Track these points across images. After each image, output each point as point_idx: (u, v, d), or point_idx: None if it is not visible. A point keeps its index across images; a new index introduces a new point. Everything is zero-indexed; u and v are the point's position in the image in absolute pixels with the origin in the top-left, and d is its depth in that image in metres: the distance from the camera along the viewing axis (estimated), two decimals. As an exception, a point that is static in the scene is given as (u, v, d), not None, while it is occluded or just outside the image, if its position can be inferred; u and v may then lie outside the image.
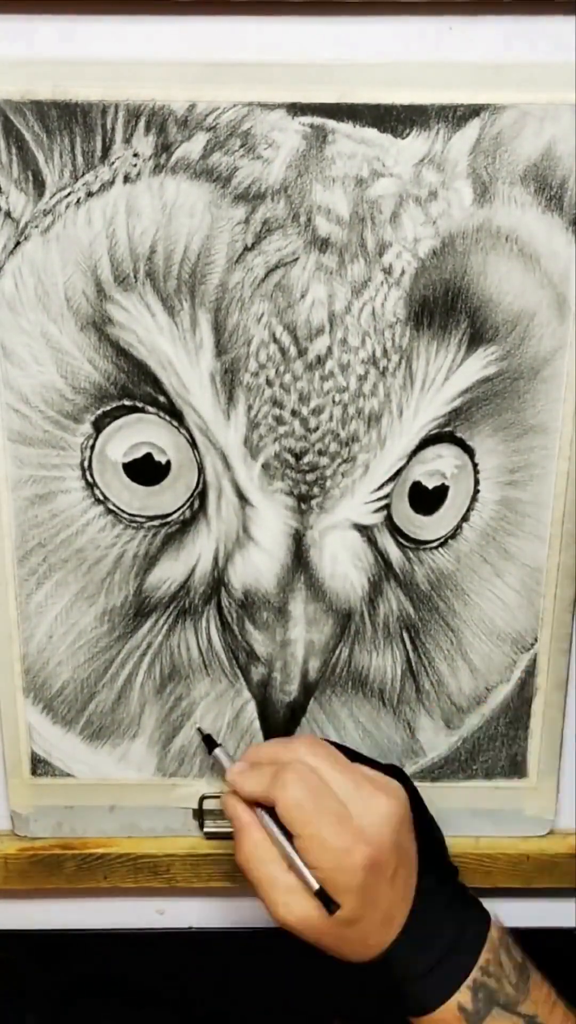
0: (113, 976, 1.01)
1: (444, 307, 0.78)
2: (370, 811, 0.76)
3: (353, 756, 0.81)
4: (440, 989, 0.78)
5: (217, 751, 0.85)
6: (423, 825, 0.82)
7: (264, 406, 0.79)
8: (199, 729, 0.88)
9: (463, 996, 0.78)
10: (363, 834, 0.75)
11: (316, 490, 0.81)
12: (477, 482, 0.83)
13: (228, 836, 0.91)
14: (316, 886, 0.74)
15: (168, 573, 0.84)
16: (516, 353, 0.80)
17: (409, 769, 0.90)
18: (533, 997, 0.80)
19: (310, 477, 0.81)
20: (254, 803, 0.78)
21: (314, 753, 0.78)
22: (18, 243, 0.76)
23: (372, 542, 0.83)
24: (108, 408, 0.80)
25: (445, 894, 0.81)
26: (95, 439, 0.81)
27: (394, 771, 0.82)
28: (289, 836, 0.76)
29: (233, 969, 1.01)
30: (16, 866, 0.93)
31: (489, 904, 0.88)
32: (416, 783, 0.90)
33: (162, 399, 0.79)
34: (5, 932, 0.99)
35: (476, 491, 0.84)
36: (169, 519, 0.83)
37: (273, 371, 0.79)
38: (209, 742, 0.87)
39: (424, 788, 0.90)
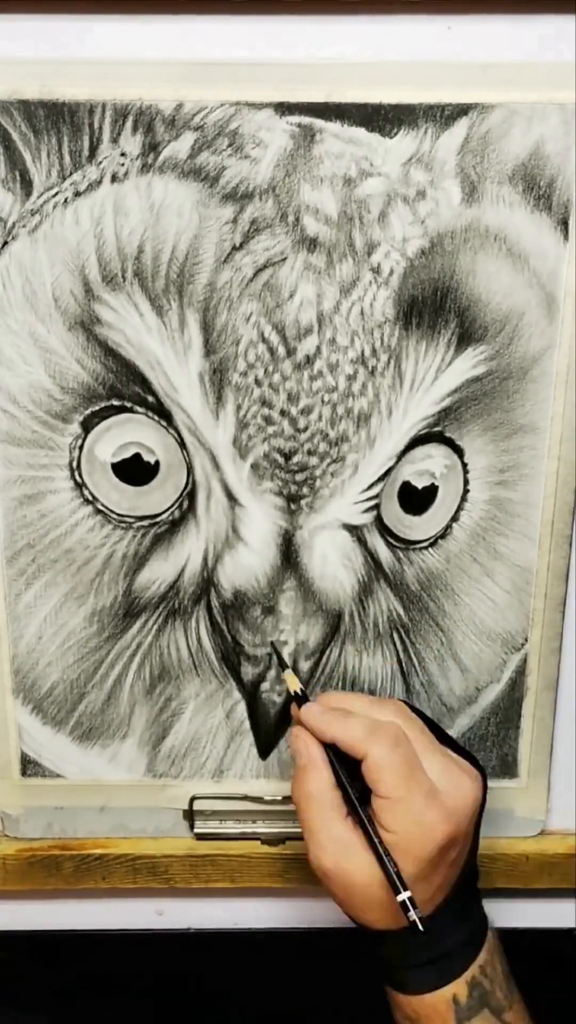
0: (112, 976, 1.01)
1: (433, 307, 0.78)
2: (458, 792, 0.75)
3: (437, 733, 0.80)
4: (441, 977, 0.77)
5: (287, 672, 0.83)
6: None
7: (253, 406, 0.79)
8: (273, 643, 0.86)
9: (459, 989, 0.77)
10: (449, 813, 0.74)
11: (306, 490, 0.81)
12: (467, 482, 0.83)
13: (218, 837, 0.92)
14: (406, 895, 0.73)
15: (157, 573, 0.84)
16: (505, 353, 0.79)
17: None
18: (515, 1010, 0.80)
19: (299, 477, 0.81)
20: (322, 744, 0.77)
21: (407, 720, 0.77)
22: (5, 243, 0.76)
23: (362, 542, 0.83)
24: (96, 408, 0.80)
25: (472, 887, 0.81)
26: (84, 439, 0.81)
27: (472, 758, 0.81)
28: (361, 793, 0.75)
29: (232, 970, 1.01)
30: (14, 867, 0.93)
31: (489, 904, 0.88)
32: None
33: (151, 399, 0.79)
34: (5, 932, 0.99)
35: (466, 491, 0.83)
36: (158, 519, 0.83)
37: (262, 371, 0.79)
38: (281, 660, 0.85)
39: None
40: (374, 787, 0.74)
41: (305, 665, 0.87)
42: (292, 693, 0.81)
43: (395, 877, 0.73)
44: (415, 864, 0.73)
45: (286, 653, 0.86)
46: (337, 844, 0.75)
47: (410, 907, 0.72)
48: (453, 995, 0.77)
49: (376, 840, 0.74)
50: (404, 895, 0.72)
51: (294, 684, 0.81)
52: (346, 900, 0.77)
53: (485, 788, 0.79)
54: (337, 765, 0.76)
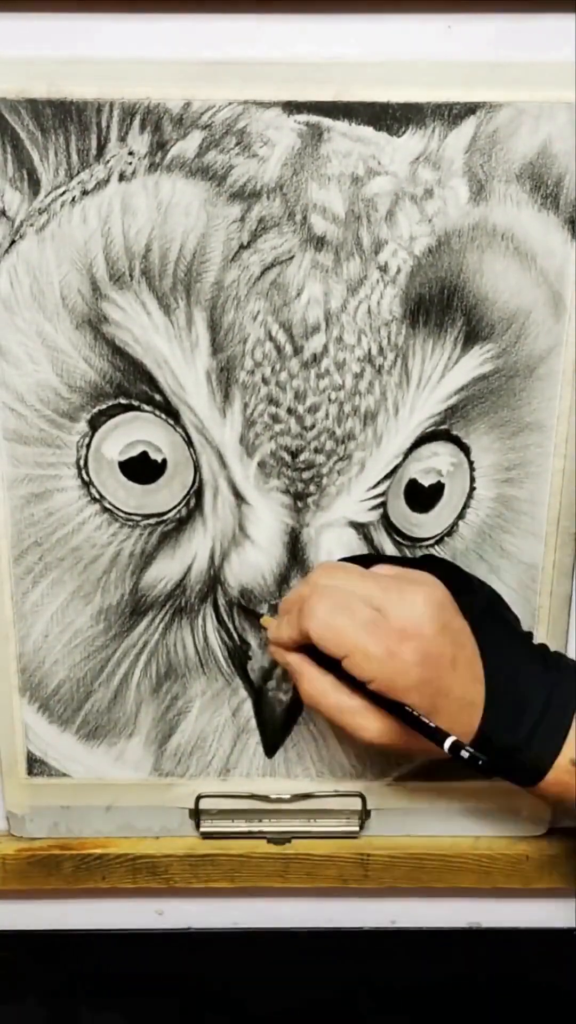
0: (113, 976, 1.01)
1: (440, 305, 0.78)
2: (404, 607, 0.73)
3: (372, 560, 0.79)
4: (546, 748, 0.75)
5: (264, 617, 0.83)
6: (478, 600, 0.80)
7: (260, 404, 0.79)
8: (242, 607, 0.85)
9: (570, 749, 0.75)
10: (404, 632, 0.72)
11: (312, 488, 0.81)
12: (473, 480, 0.83)
13: (224, 836, 0.92)
14: (451, 740, 0.71)
15: (164, 571, 0.84)
16: (512, 351, 0.80)
17: (406, 768, 0.91)
18: None
19: (306, 475, 0.81)
20: (299, 649, 0.76)
21: (331, 575, 0.76)
22: (13, 242, 0.76)
23: (368, 540, 0.83)
24: (104, 407, 0.80)
25: (520, 657, 0.78)
26: (91, 437, 0.81)
27: (428, 560, 0.81)
28: (337, 667, 0.73)
29: (233, 970, 1.01)
30: (15, 867, 0.93)
31: (489, 904, 0.88)
32: (413, 782, 0.90)
33: (158, 397, 0.79)
34: (5, 932, 0.99)
35: (472, 489, 0.84)
36: (165, 517, 0.83)
37: (269, 369, 0.79)
38: (250, 613, 0.85)
39: (421, 787, 0.91)
40: (331, 653, 0.73)
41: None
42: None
43: (417, 720, 0.72)
44: (412, 694, 0.72)
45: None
46: (364, 715, 0.74)
47: (461, 747, 0.71)
48: (570, 759, 0.75)
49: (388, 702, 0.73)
50: (449, 740, 0.71)
51: (269, 623, 0.81)
52: (421, 748, 0.75)
53: (450, 576, 0.77)
54: (315, 653, 0.75)
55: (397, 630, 0.72)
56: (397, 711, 0.73)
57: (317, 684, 0.75)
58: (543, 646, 0.80)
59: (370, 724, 0.74)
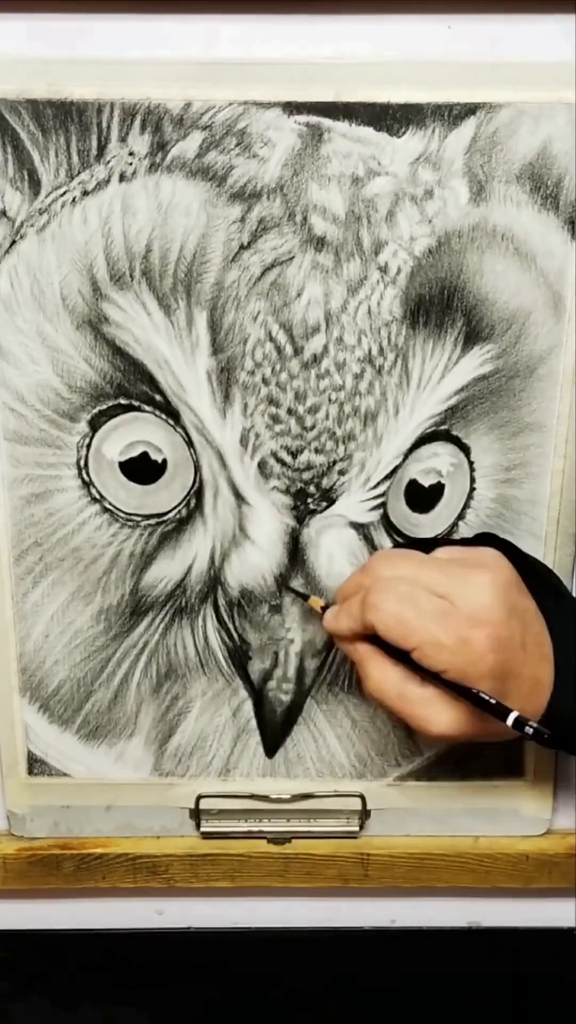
0: (113, 976, 1.01)
1: (440, 305, 0.78)
2: (471, 592, 0.72)
3: (432, 544, 0.78)
4: None
5: (311, 599, 0.83)
6: (535, 577, 0.78)
7: (260, 405, 0.79)
8: (289, 587, 0.84)
9: None
10: (475, 618, 0.71)
11: (312, 488, 0.81)
12: (473, 480, 0.83)
13: (224, 836, 0.92)
14: (514, 715, 0.70)
15: (164, 572, 0.84)
16: (512, 351, 0.80)
17: (406, 768, 0.91)
18: None
19: (306, 475, 0.81)
20: (364, 638, 0.75)
21: (391, 564, 0.74)
22: (14, 242, 0.76)
23: (369, 540, 0.83)
24: (104, 407, 0.80)
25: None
26: (91, 438, 0.81)
27: (485, 539, 0.79)
28: (407, 657, 0.72)
29: (233, 970, 1.01)
30: (15, 866, 0.93)
31: (489, 904, 0.88)
32: (413, 783, 0.91)
33: (158, 398, 0.79)
34: (5, 932, 0.99)
35: (472, 489, 0.84)
36: (165, 518, 0.83)
37: (269, 370, 0.79)
38: (303, 595, 0.84)
39: (421, 787, 0.91)
40: (400, 646, 0.72)
41: (312, 664, 0.87)
42: (319, 611, 0.80)
43: (488, 703, 0.71)
44: (486, 681, 0.71)
45: (293, 652, 0.86)
46: (433, 706, 0.73)
47: (525, 723, 0.70)
48: None
49: (451, 685, 0.72)
50: (512, 716, 0.70)
51: (317, 604, 0.81)
52: (491, 733, 0.74)
53: (512, 554, 0.76)
54: (379, 642, 0.73)
55: (467, 617, 0.71)
56: (470, 697, 0.71)
57: (388, 675, 0.73)
58: None
59: (440, 715, 0.72)
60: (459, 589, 0.72)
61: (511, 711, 0.70)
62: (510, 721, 0.70)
